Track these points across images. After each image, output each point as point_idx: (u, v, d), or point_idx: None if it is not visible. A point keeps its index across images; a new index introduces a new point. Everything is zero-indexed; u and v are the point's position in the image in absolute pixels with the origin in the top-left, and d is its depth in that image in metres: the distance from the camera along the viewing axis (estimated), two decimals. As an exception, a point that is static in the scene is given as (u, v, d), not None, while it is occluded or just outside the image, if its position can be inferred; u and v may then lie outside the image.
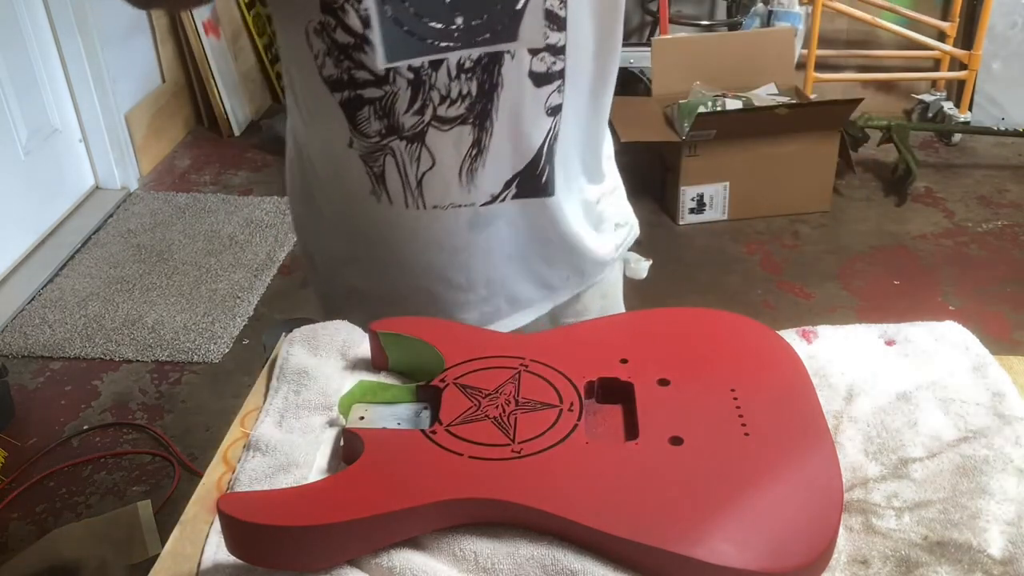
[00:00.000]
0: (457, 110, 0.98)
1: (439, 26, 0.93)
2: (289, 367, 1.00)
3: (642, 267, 1.48)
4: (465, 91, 0.97)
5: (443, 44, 0.94)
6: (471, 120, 0.99)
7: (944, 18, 3.55)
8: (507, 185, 1.06)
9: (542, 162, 1.06)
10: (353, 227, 1.12)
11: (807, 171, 2.96)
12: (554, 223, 1.12)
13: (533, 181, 1.07)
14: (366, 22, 0.92)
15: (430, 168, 1.01)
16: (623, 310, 1.35)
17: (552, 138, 1.04)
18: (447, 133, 0.99)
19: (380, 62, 0.94)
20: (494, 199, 1.06)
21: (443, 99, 0.97)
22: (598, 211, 1.22)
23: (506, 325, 1.19)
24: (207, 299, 2.63)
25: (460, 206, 1.05)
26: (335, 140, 1.02)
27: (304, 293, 2.67)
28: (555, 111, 1.02)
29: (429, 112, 0.98)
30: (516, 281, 1.18)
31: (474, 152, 1.01)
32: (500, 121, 1.00)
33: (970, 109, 3.51)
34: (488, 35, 0.94)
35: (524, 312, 1.21)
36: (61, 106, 3.05)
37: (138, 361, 2.39)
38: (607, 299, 1.33)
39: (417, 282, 1.13)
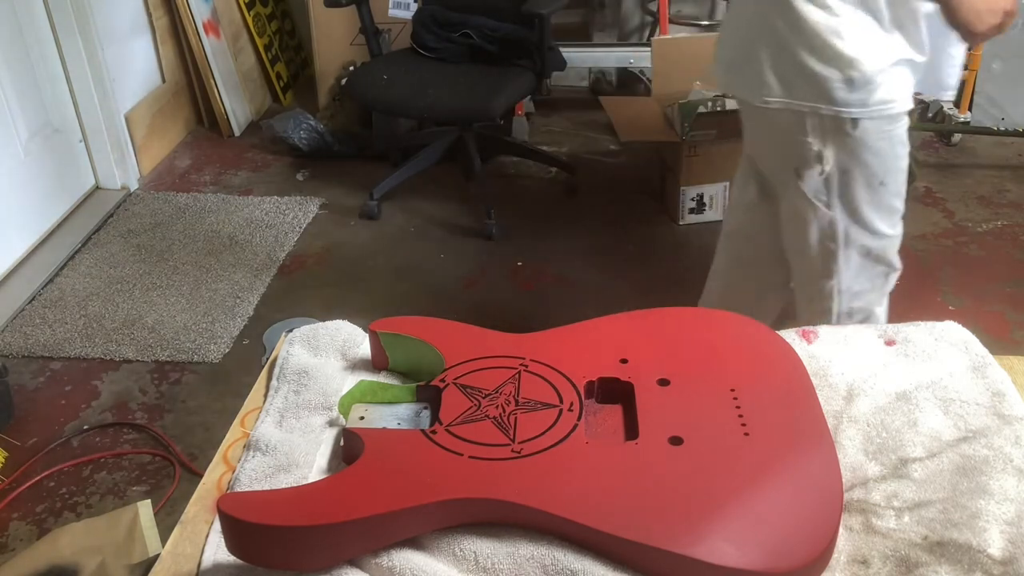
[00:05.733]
0: None
1: None
2: (289, 367, 1.00)
3: None
4: None
5: None
6: None
7: (944, 18, 3.54)
8: None
9: None
10: None
11: (807, 171, 2.95)
12: None
13: None
14: None
15: None
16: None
17: None
18: None
19: None
20: None
21: None
22: None
23: None
24: (207, 299, 2.63)
25: None
26: None
27: (304, 293, 2.68)
28: None
29: None
30: None
31: None
32: None
33: (970, 109, 3.51)
34: None
35: None
36: (61, 106, 3.05)
37: (138, 361, 2.39)
38: None
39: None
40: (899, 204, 1.60)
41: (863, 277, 1.67)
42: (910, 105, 1.51)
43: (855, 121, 1.48)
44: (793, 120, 1.53)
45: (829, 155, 1.53)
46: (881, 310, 1.74)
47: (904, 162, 1.57)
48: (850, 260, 1.63)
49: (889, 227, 1.62)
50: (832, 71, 1.45)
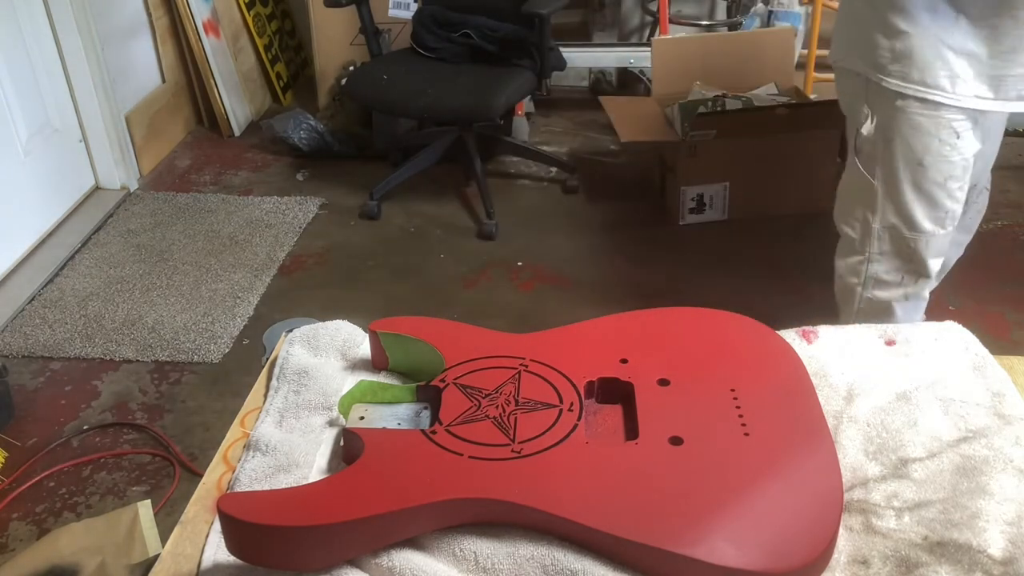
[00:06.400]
0: None
1: None
2: (289, 367, 1.00)
3: None
4: None
5: None
6: None
7: (944, 18, 3.54)
8: None
9: None
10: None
11: (807, 171, 2.95)
12: None
13: None
14: None
15: None
16: None
17: None
18: None
19: None
20: None
21: None
22: None
23: None
24: (207, 299, 2.63)
25: None
26: None
27: (304, 293, 2.68)
28: None
29: None
30: None
31: None
32: None
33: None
34: None
35: None
36: (61, 106, 3.04)
37: (138, 361, 2.39)
38: None
39: None
40: (942, 197, 1.61)
41: (892, 268, 1.70)
42: (964, 101, 1.52)
43: (897, 94, 1.55)
44: (855, 83, 1.63)
45: (876, 121, 1.61)
46: (902, 315, 1.75)
47: (954, 155, 1.59)
48: (883, 243, 1.67)
49: (928, 220, 1.64)
50: (883, 39, 1.54)
